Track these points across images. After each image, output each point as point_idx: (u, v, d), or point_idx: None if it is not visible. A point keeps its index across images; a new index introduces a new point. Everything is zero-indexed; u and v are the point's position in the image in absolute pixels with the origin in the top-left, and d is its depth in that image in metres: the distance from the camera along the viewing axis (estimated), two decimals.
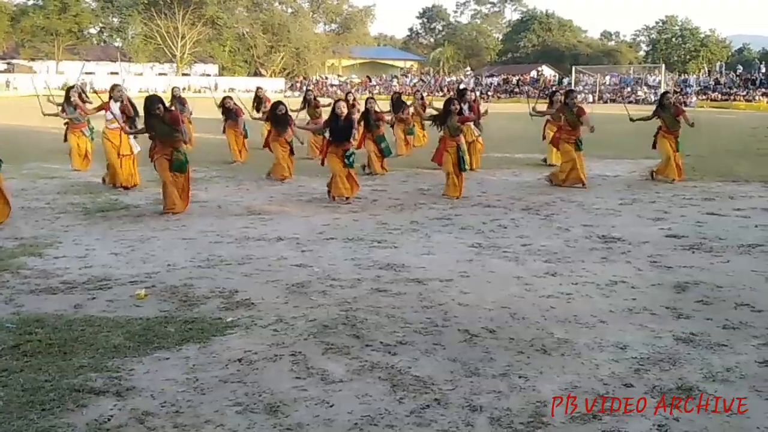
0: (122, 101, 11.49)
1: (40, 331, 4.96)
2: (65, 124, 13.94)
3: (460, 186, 10.95)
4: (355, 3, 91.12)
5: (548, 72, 75.14)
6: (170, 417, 3.78)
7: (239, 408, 3.88)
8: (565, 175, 12.05)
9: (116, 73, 76.00)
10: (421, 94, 20.42)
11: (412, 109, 17.10)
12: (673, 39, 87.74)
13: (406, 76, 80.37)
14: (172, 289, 6.02)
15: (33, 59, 75.38)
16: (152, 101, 9.51)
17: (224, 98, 15.97)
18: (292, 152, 12.73)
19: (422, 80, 75.10)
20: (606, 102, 54.88)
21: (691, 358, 4.59)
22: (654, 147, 12.87)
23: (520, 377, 4.28)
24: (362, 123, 13.35)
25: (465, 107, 13.81)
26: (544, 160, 15.05)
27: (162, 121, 9.44)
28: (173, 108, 12.65)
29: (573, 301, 5.79)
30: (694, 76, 61.52)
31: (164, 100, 10.05)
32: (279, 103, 12.86)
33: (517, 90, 65.90)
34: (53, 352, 4.59)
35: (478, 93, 19.83)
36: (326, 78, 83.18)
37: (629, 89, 59.77)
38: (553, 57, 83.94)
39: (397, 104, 17.23)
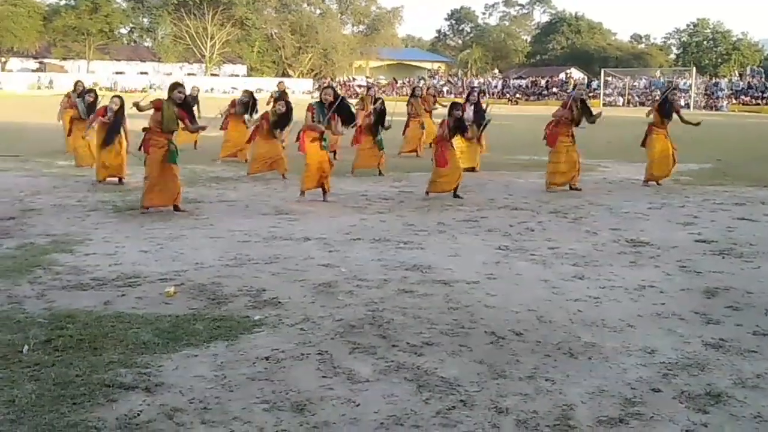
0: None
1: (71, 326, 5.03)
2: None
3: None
4: (383, 4, 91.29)
5: (577, 74, 74.62)
6: (198, 413, 3.81)
7: (266, 405, 3.91)
8: (565, 176, 11.81)
9: (146, 73, 76.96)
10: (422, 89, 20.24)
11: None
12: (705, 42, 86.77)
13: (434, 78, 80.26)
14: (201, 287, 6.07)
15: (64, 58, 76.50)
16: (175, 85, 9.66)
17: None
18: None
19: (450, 82, 74.97)
20: (635, 105, 54.42)
21: (720, 363, 4.55)
22: (644, 145, 12.63)
23: (546, 380, 4.27)
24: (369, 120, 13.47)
25: (470, 109, 13.77)
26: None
27: (175, 108, 9.47)
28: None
29: (601, 305, 5.75)
30: (726, 79, 60.80)
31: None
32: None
33: (545, 92, 65.53)
34: (84, 347, 4.65)
35: (479, 91, 19.81)
36: (354, 79, 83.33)
37: (659, 92, 59.20)
38: (582, 59, 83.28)
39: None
